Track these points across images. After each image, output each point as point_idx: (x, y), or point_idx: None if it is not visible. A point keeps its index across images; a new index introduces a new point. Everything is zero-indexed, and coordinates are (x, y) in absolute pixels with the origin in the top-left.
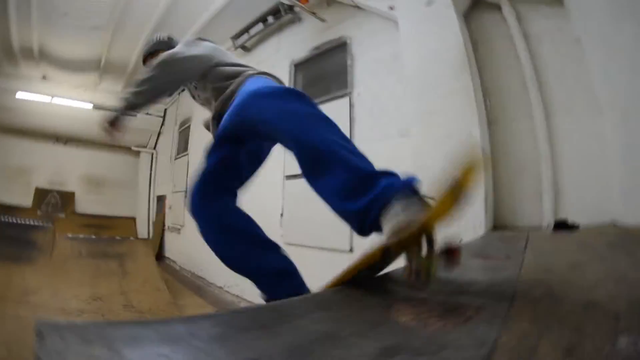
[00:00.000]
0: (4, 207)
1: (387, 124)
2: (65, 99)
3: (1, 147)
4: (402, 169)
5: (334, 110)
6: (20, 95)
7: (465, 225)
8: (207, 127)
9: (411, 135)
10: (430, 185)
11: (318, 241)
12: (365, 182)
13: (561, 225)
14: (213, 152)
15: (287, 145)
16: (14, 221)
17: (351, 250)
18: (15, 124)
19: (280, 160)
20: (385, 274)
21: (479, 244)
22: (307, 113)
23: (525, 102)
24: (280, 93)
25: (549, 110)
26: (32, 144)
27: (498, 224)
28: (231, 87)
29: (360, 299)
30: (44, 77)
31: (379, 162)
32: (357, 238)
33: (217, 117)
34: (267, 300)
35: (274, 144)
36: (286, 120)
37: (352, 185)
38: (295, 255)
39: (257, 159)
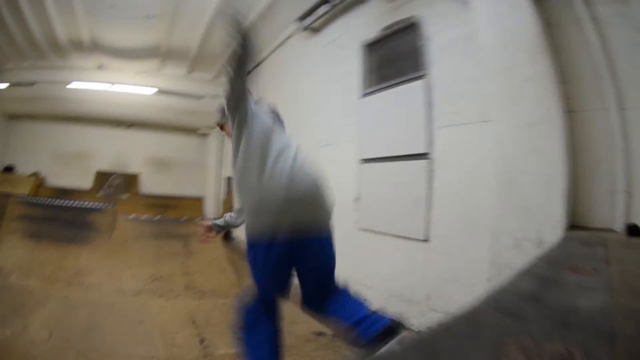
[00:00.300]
0: (61, 191)
1: (465, 109)
2: (126, 85)
3: (57, 134)
4: (483, 157)
5: (408, 93)
6: (73, 85)
7: (544, 224)
8: None
9: (492, 121)
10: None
11: (392, 228)
12: None
13: (634, 231)
14: None
15: None
16: (72, 204)
17: (427, 239)
18: (71, 112)
19: (354, 143)
20: (486, 301)
21: (563, 250)
22: None
23: (599, 92)
24: None
25: (623, 102)
26: (92, 129)
27: (574, 223)
28: None
29: (466, 339)
30: (99, 67)
31: (460, 149)
32: (434, 226)
33: None
34: None
35: None
36: None
37: None
38: (368, 242)
39: None
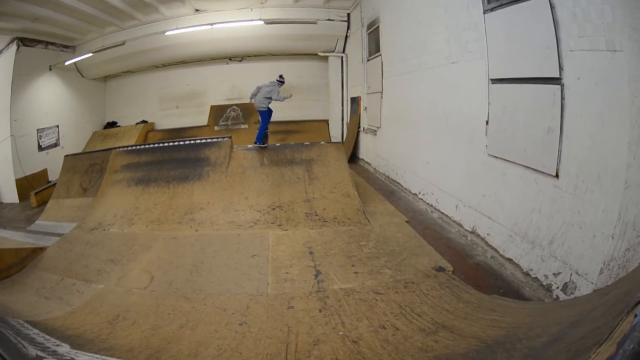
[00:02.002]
0: (175, 132)
1: (593, 35)
2: (230, 23)
3: (162, 80)
4: (616, 90)
5: (529, 8)
6: (170, 32)
7: None
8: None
9: (622, 51)
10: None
11: (522, 158)
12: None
13: None
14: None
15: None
16: (182, 143)
17: (557, 175)
18: (173, 57)
19: (483, 61)
20: None
21: None
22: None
23: None
24: None
25: None
26: (203, 68)
27: None
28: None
29: None
30: (196, 10)
31: (591, 78)
32: (565, 162)
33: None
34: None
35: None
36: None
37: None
38: (497, 172)
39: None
